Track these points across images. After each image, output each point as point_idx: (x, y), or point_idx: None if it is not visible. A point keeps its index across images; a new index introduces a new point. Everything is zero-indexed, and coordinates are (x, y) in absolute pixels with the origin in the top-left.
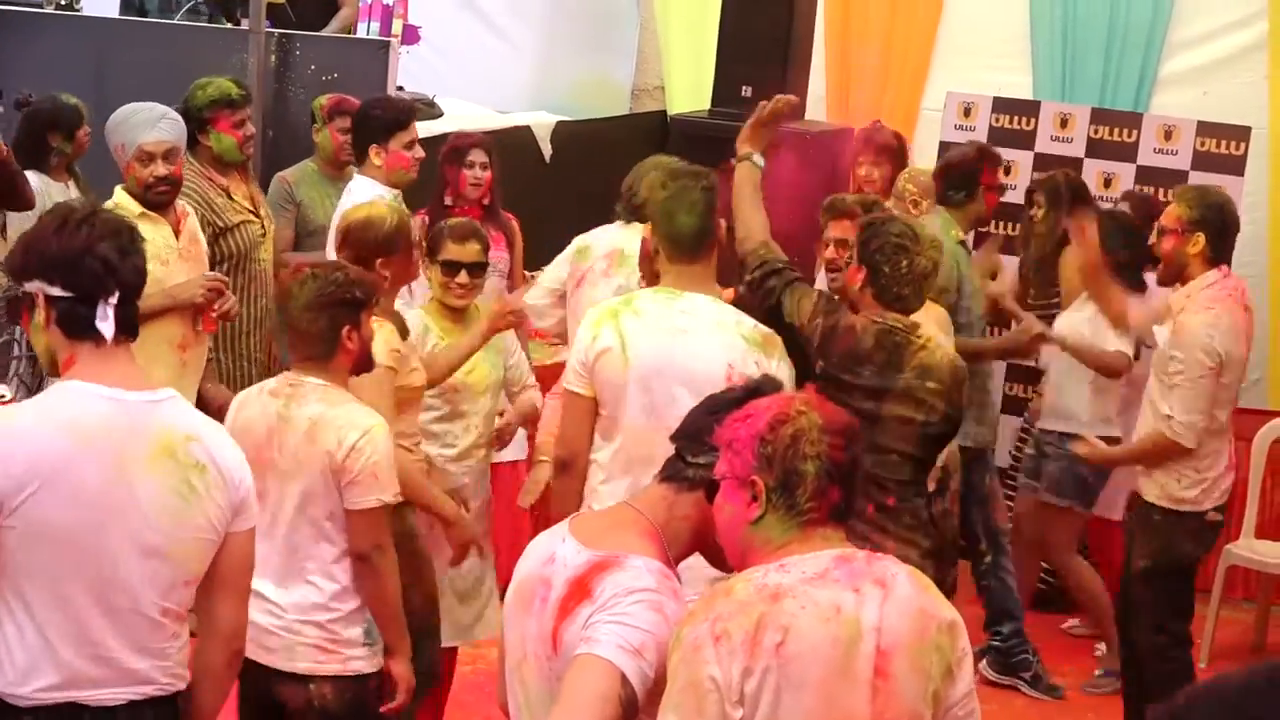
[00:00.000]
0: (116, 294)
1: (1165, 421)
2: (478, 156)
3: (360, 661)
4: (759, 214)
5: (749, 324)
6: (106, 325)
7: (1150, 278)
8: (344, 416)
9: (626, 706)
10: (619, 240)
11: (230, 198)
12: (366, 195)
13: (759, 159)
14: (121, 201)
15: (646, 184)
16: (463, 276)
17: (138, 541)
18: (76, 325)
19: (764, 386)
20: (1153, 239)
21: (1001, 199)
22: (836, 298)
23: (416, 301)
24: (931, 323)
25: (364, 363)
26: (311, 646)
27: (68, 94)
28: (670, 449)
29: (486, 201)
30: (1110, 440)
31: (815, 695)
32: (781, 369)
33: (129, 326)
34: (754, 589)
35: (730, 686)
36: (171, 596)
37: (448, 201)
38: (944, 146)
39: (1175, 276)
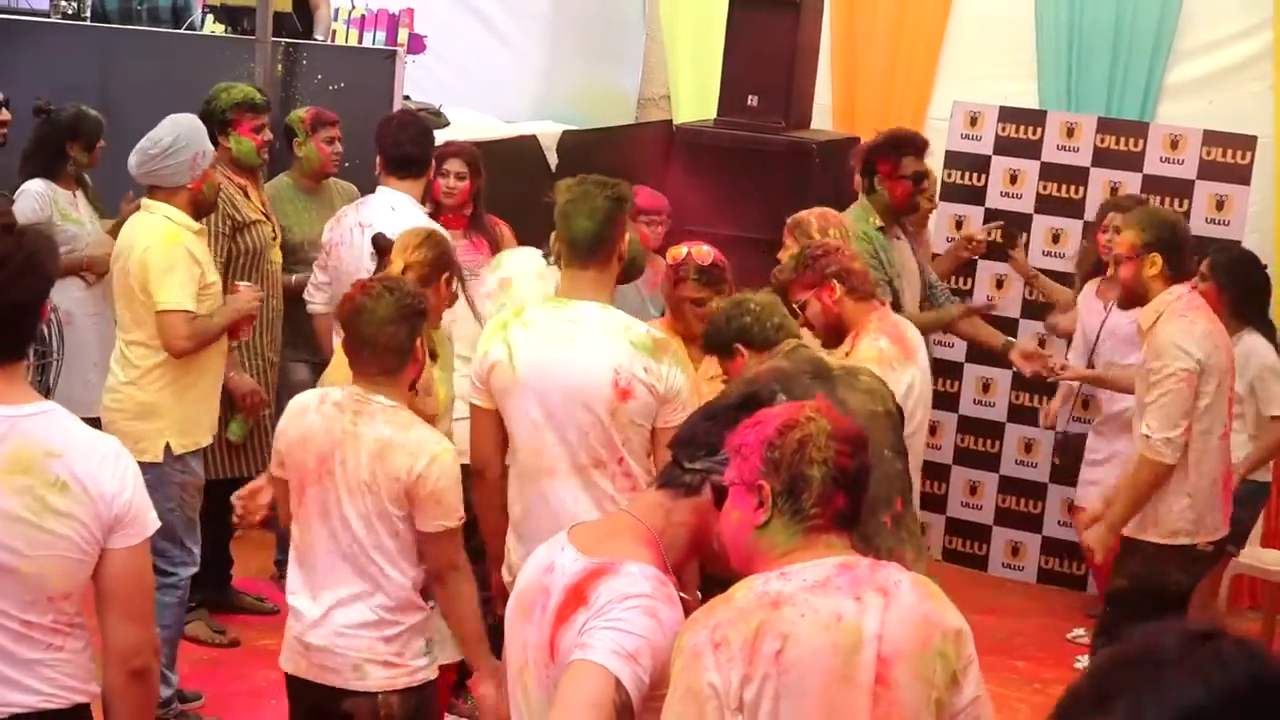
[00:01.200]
0: None
1: (1144, 443)
2: (454, 166)
3: (424, 672)
4: None
5: (639, 329)
6: None
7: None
8: (414, 442)
9: (621, 712)
10: (525, 266)
11: (247, 197)
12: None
13: None
14: (174, 217)
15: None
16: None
17: None
18: None
19: (759, 394)
20: (1109, 270)
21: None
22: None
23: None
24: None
25: (413, 384)
26: (379, 664)
27: (87, 106)
28: (561, 457)
29: (468, 210)
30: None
31: (815, 703)
32: (674, 374)
33: (7, 350)
34: (754, 596)
35: (729, 693)
36: (33, 611)
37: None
38: (950, 156)
39: (1139, 302)
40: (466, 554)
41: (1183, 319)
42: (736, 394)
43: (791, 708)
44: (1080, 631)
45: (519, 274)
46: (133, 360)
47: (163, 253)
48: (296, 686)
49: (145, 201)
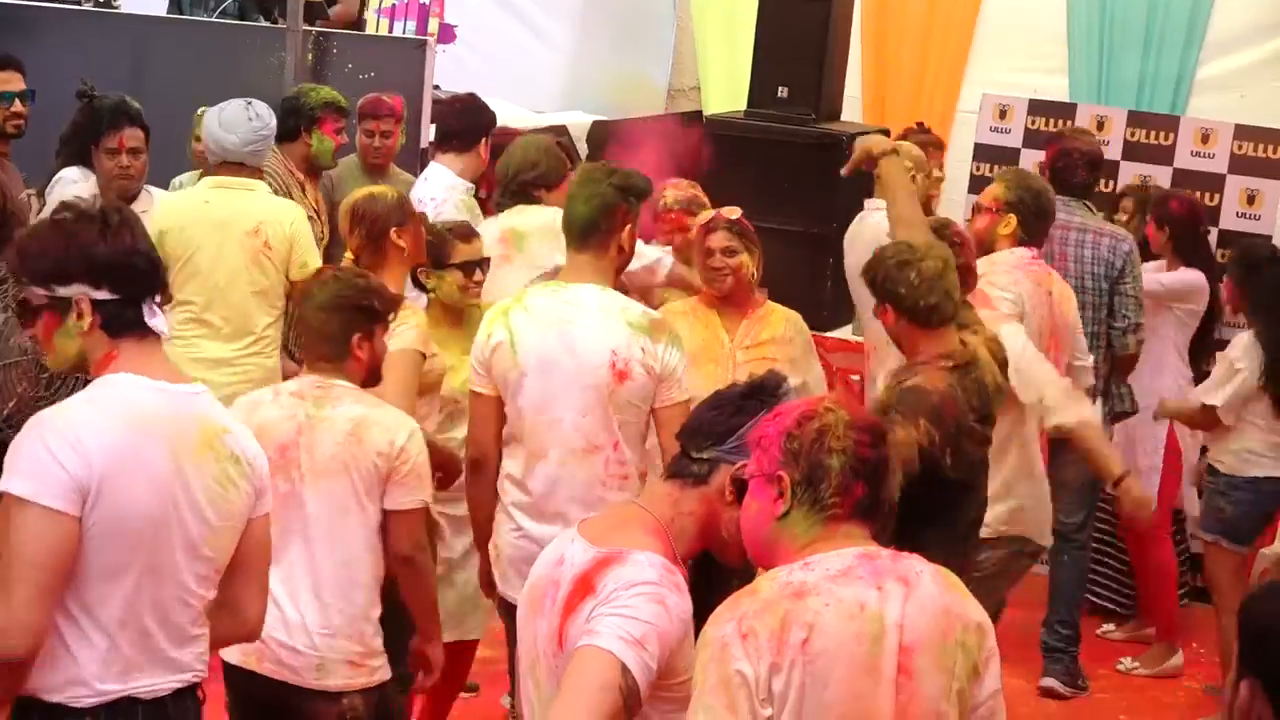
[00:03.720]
0: (159, 292)
1: None
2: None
3: (384, 670)
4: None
5: (636, 310)
6: (158, 322)
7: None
8: (390, 417)
9: (628, 696)
10: (506, 223)
11: (303, 193)
12: (448, 183)
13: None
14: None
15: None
16: (478, 274)
17: (185, 531)
18: (122, 325)
19: (766, 383)
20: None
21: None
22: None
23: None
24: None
25: (372, 377)
26: (345, 663)
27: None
28: (556, 441)
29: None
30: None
31: (840, 692)
32: (670, 353)
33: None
34: (778, 587)
35: (759, 683)
36: (205, 585)
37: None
38: (979, 148)
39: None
40: None
41: (1009, 274)
42: (744, 383)
43: (817, 697)
44: (1110, 627)
45: (531, 229)
46: (257, 331)
47: (307, 225)
48: (241, 678)
49: (234, 180)
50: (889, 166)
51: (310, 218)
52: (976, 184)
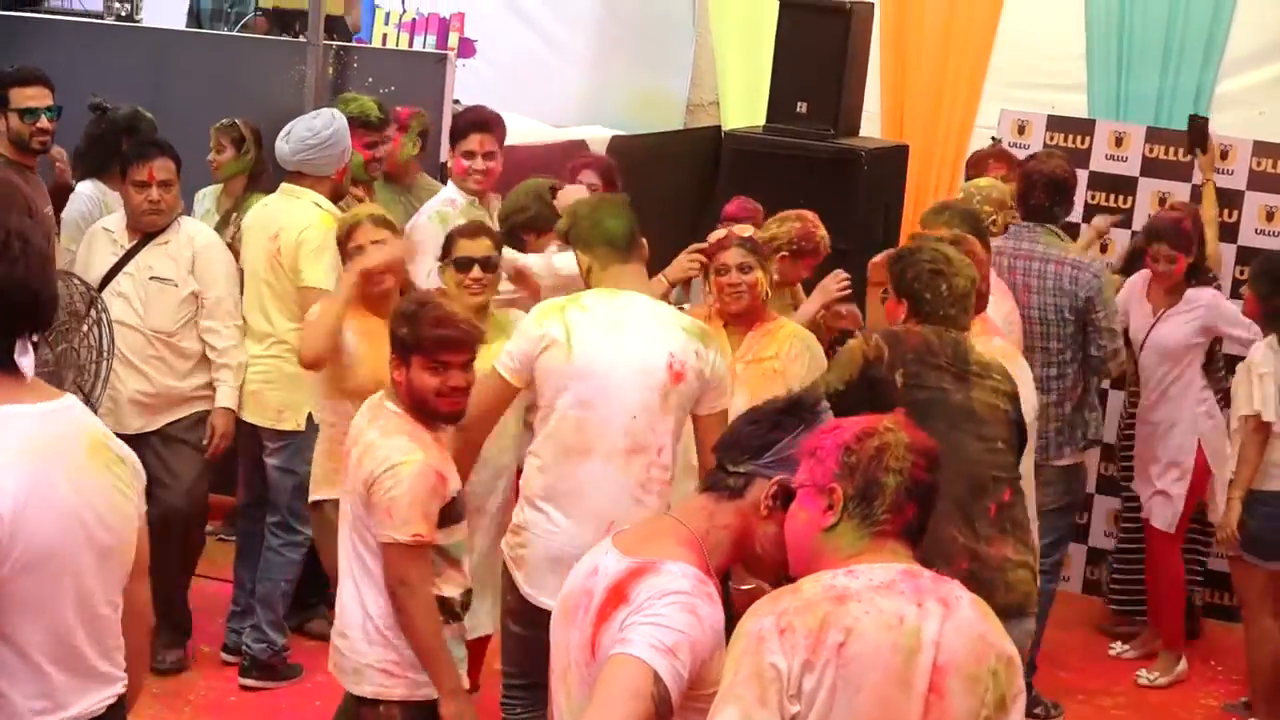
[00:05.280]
0: (38, 330)
1: None
2: (587, 178)
3: (429, 688)
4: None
5: (685, 316)
6: (26, 362)
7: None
8: (385, 448)
9: (659, 704)
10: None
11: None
12: (443, 195)
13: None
14: (322, 204)
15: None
16: (475, 271)
17: (95, 543)
18: None
19: (804, 399)
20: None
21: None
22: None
23: None
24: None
25: (416, 407)
26: (380, 671)
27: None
28: (602, 438)
29: None
30: None
31: (870, 699)
32: (719, 360)
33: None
34: (821, 589)
35: (790, 678)
36: (118, 591)
37: None
38: None
39: None
40: None
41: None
42: (782, 399)
43: (847, 701)
44: (1125, 648)
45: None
46: (278, 333)
47: (319, 234)
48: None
49: (288, 186)
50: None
51: None
52: None
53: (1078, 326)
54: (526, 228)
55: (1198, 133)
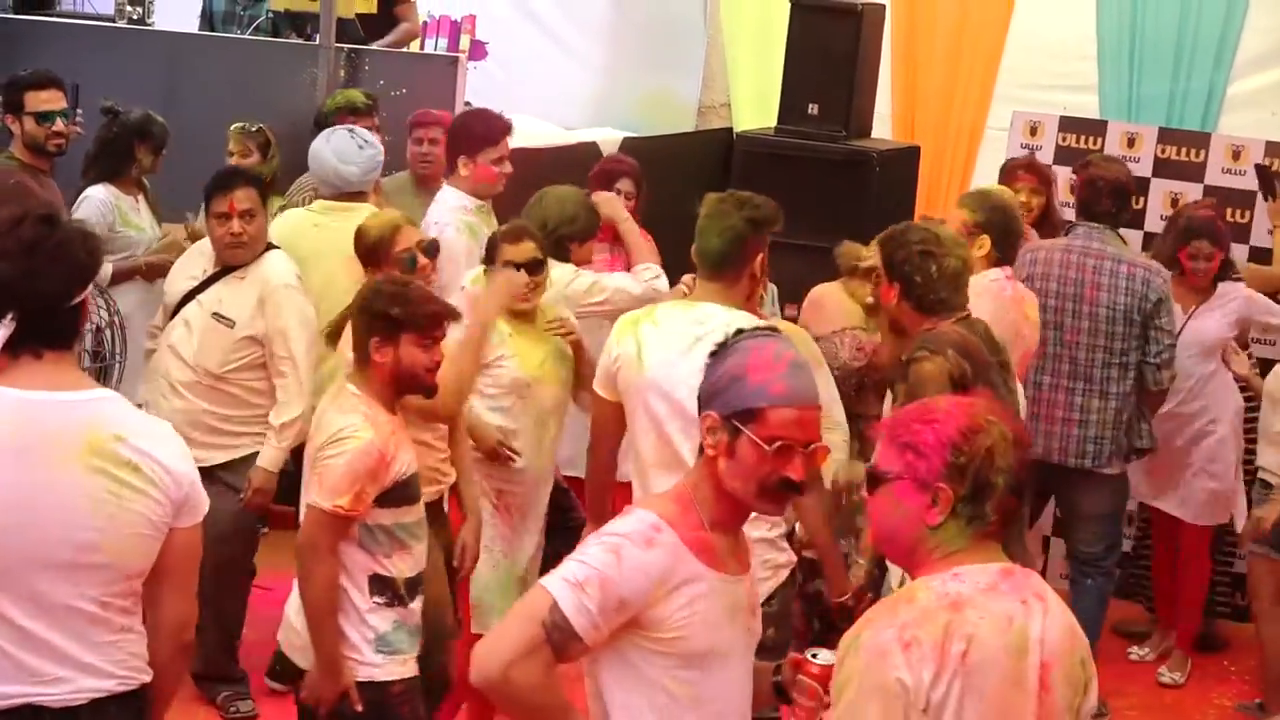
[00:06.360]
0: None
1: None
2: (625, 185)
3: (374, 669)
4: None
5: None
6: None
7: None
8: (333, 420)
9: (552, 631)
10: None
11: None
12: (452, 204)
13: None
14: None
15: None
16: (523, 276)
17: (71, 539)
18: None
19: (724, 340)
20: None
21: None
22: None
23: None
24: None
25: (400, 386)
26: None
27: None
28: (676, 453)
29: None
30: None
31: (992, 705)
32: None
33: (51, 338)
34: (935, 597)
35: (919, 692)
36: (113, 591)
37: None
38: None
39: None
40: None
41: (976, 299)
42: (720, 343)
43: (973, 709)
44: (1144, 650)
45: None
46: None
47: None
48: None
49: (346, 205)
50: None
51: None
52: None
53: (1141, 329)
54: (573, 237)
55: (1267, 180)
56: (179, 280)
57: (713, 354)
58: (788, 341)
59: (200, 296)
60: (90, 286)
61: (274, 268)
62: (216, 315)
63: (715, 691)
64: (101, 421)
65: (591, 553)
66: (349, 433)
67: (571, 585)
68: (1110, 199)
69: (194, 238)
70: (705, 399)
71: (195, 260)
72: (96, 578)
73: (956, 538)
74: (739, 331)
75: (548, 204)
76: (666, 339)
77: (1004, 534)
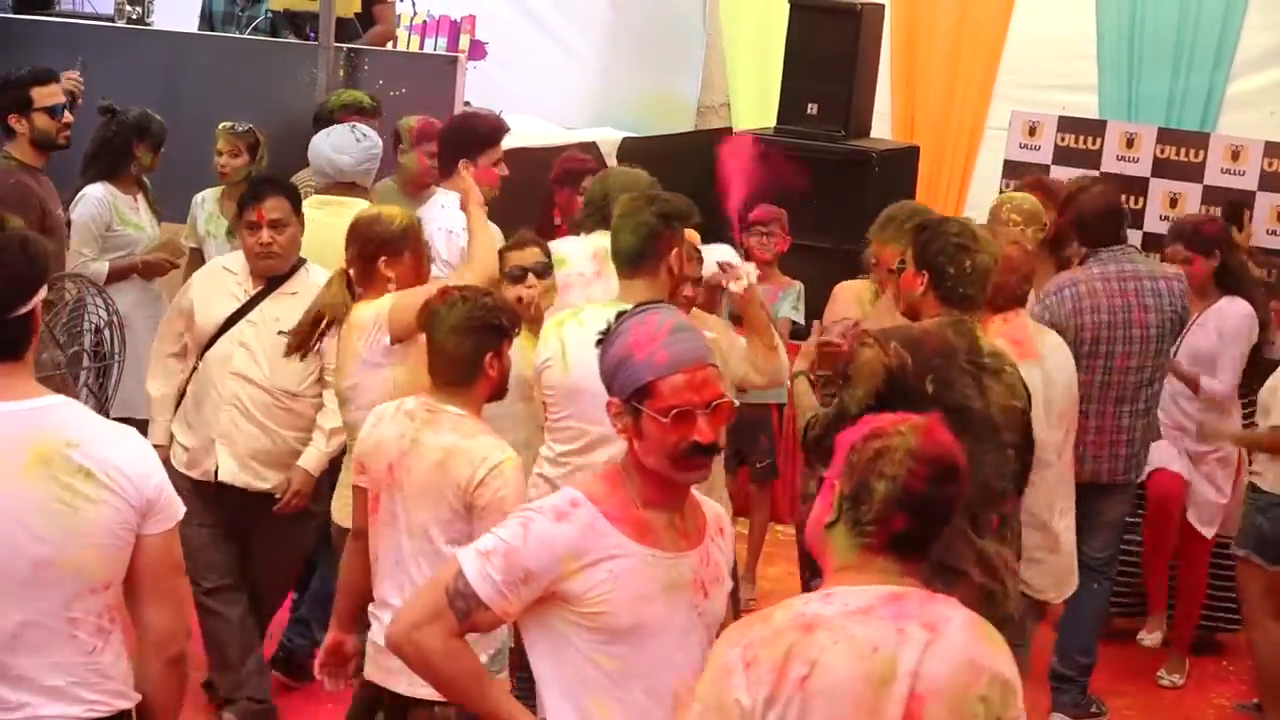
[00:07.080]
0: None
1: None
2: (589, 184)
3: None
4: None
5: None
6: None
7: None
8: (478, 450)
9: (455, 597)
10: (598, 242)
11: None
12: (455, 208)
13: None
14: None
15: (617, 203)
16: (530, 280)
17: (24, 554)
18: None
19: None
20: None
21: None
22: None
23: None
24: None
25: (500, 391)
26: None
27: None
28: (604, 456)
29: None
30: None
31: None
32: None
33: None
34: (790, 617)
35: (754, 713)
36: (77, 606)
37: (556, 221)
38: (1008, 165)
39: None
40: None
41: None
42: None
43: None
44: (1155, 636)
45: (570, 253)
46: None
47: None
48: (369, 691)
49: (339, 199)
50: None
51: None
52: None
53: (1173, 339)
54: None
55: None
56: (216, 303)
57: (598, 342)
58: (669, 310)
59: (249, 316)
60: (39, 295)
61: (321, 278)
62: (284, 334)
63: (647, 667)
64: (51, 429)
65: (504, 525)
66: (498, 456)
67: (479, 554)
68: (1114, 223)
69: (176, 253)
70: (606, 387)
71: (222, 280)
72: (56, 593)
73: (847, 549)
74: (620, 314)
75: (610, 181)
76: (589, 339)
77: (909, 554)
